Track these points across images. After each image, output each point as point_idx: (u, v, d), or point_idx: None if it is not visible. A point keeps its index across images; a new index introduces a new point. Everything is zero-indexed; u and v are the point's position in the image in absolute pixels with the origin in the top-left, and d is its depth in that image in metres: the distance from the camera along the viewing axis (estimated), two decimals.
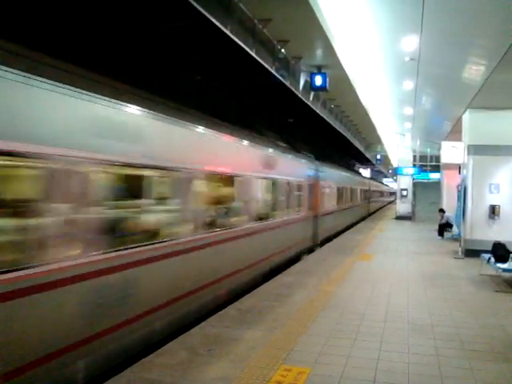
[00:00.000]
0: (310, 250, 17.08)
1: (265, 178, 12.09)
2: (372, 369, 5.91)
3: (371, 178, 55.54)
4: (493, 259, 11.61)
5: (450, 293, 10.47)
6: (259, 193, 11.82)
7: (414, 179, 36.05)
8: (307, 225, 16.90)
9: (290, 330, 7.41)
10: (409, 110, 23.04)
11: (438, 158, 28.97)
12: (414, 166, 36.03)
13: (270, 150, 12.89)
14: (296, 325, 7.67)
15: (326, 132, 27.82)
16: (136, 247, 6.25)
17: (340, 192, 24.55)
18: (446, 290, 10.78)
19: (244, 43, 11.58)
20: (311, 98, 19.37)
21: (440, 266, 14.22)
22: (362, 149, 40.52)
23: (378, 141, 39.56)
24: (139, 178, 6.64)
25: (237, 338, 6.95)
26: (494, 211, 15.67)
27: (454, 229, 15.92)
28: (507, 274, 11.67)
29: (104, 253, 5.58)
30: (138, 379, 5.41)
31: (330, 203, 21.32)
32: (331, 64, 15.56)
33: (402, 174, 36.51)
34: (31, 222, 4.74)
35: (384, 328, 7.68)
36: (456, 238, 18.56)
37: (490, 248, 12.19)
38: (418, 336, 7.33)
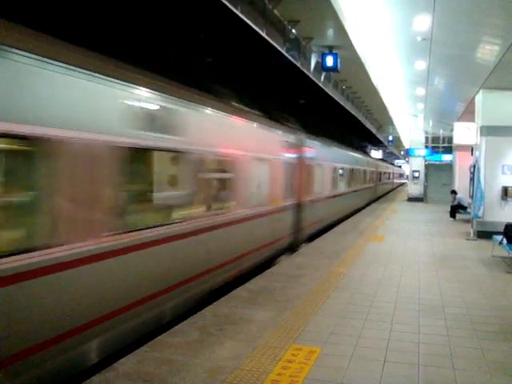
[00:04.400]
0: (291, 250, 13.18)
1: (195, 153, 7.68)
2: (382, 349, 5.94)
3: (381, 159, 54.78)
4: (505, 240, 11.57)
5: (462, 274, 10.46)
6: (188, 176, 7.68)
7: (426, 161, 35.86)
8: (284, 217, 12.65)
9: (301, 310, 7.45)
10: (421, 91, 22.85)
11: (450, 140, 28.79)
12: (426, 147, 35.85)
13: (213, 113, 8.67)
14: (307, 305, 7.71)
15: (337, 113, 27.69)
16: None
17: (338, 173, 21.01)
18: (457, 271, 10.77)
19: (254, 24, 11.50)
20: (322, 79, 19.25)
21: (452, 247, 14.19)
22: (373, 130, 40.30)
23: (390, 122, 39.34)
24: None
25: (248, 318, 7.00)
26: (506, 193, 15.56)
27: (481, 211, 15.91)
28: None
29: None
30: (150, 358, 5.48)
31: (322, 187, 17.45)
32: (343, 44, 15.44)
33: (413, 156, 36.35)
34: None
35: (395, 309, 7.71)
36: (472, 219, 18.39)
37: (502, 229, 12.14)
38: (428, 317, 7.34)
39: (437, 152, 35.63)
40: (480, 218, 15.85)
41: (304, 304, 7.79)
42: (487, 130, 15.87)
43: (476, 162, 16.55)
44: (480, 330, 6.78)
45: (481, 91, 16.02)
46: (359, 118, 30.88)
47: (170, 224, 7.01)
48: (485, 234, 14.79)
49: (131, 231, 6.01)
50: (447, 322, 7.07)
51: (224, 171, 9.18)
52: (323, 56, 15.79)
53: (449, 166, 32.17)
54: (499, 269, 11.16)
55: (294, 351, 5.77)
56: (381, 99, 26.68)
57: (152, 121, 6.58)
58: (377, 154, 64.58)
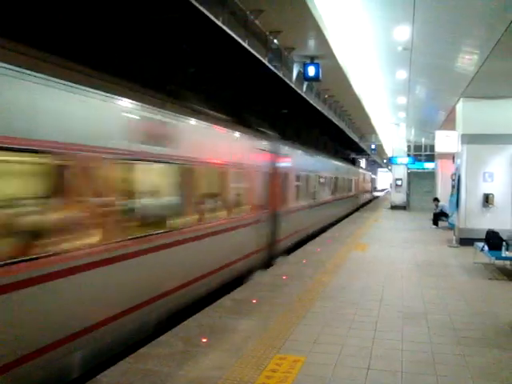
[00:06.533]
0: (267, 265, 12.23)
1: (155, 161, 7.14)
2: (366, 357, 5.97)
3: (362, 167, 54.58)
4: (486, 247, 11.69)
5: (444, 281, 10.55)
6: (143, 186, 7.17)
7: (408, 169, 36.18)
8: (259, 229, 11.72)
9: (286, 319, 7.46)
10: (402, 100, 23.06)
11: (432, 148, 29.10)
12: (409, 155, 36.18)
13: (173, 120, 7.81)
14: (291, 314, 7.72)
15: (320, 122, 27.80)
16: None
17: (318, 182, 20.16)
18: (440, 278, 10.86)
19: (236, 34, 11.55)
20: (304, 89, 19.35)
21: (434, 254, 14.30)
22: (356, 139, 40.52)
23: (373, 131, 39.58)
24: None
25: (232, 328, 7.00)
26: (487, 200, 15.73)
27: (454, 218, 16.40)
28: (500, 262, 11.76)
29: None
30: (134, 370, 5.45)
31: (299, 197, 16.51)
32: (324, 54, 15.52)
33: (396, 164, 36.64)
34: None
35: (378, 316, 7.75)
36: (451, 227, 18.68)
37: (483, 236, 12.26)
38: (412, 324, 7.40)
39: (419, 160, 35.98)
40: (454, 226, 16.12)
41: (288, 313, 7.80)
42: (468, 138, 16.08)
43: (457, 169, 16.74)
44: (462, 336, 6.85)
45: (461, 100, 16.24)
46: (341, 127, 31.03)
47: None
48: (467, 241, 14.91)
49: None
50: (430, 330, 7.12)
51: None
52: (305, 66, 15.88)
53: (431, 174, 32.49)
54: (481, 275, 11.27)
55: (278, 360, 5.78)
56: (363, 108, 26.85)
57: None
58: (359, 162, 64.82)
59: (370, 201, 53.74)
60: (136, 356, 5.86)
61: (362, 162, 68.11)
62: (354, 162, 46.81)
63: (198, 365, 5.61)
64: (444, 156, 24.17)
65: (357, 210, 35.72)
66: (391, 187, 40.77)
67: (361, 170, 44.67)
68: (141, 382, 5.16)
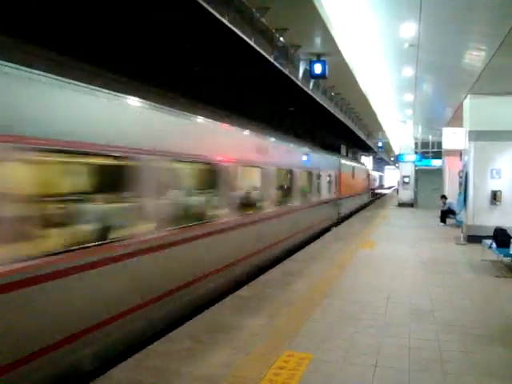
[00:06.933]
0: None
1: None
2: (374, 354, 5.97)
3: (354, 159, 48.88)
4: (494, 245, 11.65)
5: (452, 279, 10.52)
6: None
7: (416, 166, 36.07)
8: None
9: (293, 316, 7.48)
10: (409, 97, 23.01)
11: (439, 145, 28.99)
12: (416, 152, 36.08)
13: None
14: (299, 312, 7.74)
15: (327, 120, 27.79)
16: None
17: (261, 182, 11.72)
18: (447, 275, 10.83)
19: (242, 32, 11.57)
20: (311, 87, 19.35)
21: (442, 252, 14.26)
22: (363, 136, 40.44)
23: (380, 128, 39.49)
24: None
25: (239, 325, 7.02)
26: (495, 197, 15.67)
27: (461, 216, 16.37)
28: (508, 259, 11.70)
29: None
30: (143, 367, 5.49)
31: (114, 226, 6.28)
32: (330, 52, 15.52)
33: (403, 161, 36.54)
34: None
35: (385, 314, 7.74)
36: (458, 225, 18.64)
37: (491, 233, 12.21)
38: (418, 322, 7.38)
39: (426, 157, 35.84)
40: (462, 224, 16.06)
41: (296, 310, 7.81)
42: (475, 135, 16.00)
43: (465, 166, 16.69)
44: (469, 334, 6.84)
45: (468, 97, 16.16)
46: (348, 124, 30.98)
47: None
48: (475, 239, 14.84)
49: None
50: (437, 327, 7.11)
51: None
52: (311, 63, 15.86)
53: (439, 171, 32.34)
54: (488, 273, 11.23)
55: (285, 358, 5.80)
56: (369, 105, 26.81)
57: None
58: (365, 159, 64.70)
59: (367, 204, 41.19)
60: (145, 353, 5.89)
61: (369, 160, 67.96)
62: (338, 150, 36.65)
63: (206, 362, 5.64)
64: (451, 153, 24.09)
65: (337, 223, 23.01)
66: (398, 184, 40.55)
67: (347, 162, 29.97)
68: (149, 379, 5.19)
